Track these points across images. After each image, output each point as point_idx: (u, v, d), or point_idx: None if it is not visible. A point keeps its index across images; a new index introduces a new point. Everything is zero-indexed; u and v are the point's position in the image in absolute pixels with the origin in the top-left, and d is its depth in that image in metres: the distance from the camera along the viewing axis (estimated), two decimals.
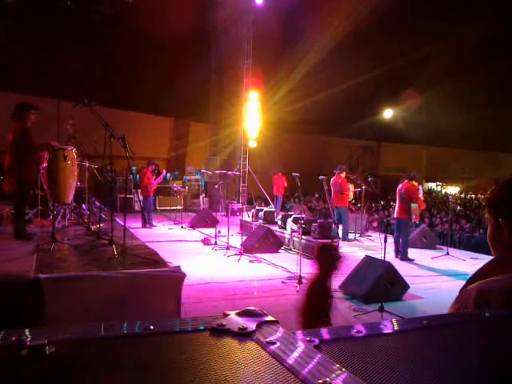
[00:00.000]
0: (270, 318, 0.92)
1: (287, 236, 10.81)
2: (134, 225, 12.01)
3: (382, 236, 6.70)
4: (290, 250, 10.55)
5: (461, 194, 32.90)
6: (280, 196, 16.44)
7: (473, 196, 30.71)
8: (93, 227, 7.58)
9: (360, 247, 11.53)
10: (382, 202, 13.23)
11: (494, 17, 20.66)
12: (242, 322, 0.89)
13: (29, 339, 0.77)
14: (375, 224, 14.78)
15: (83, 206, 9.22)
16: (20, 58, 17.02)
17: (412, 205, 9.97)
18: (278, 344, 0.81)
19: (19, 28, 16.86)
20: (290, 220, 10.87)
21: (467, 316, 1.21)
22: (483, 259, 10.54)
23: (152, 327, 0.86)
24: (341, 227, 12.08)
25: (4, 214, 8.05)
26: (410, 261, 9.94)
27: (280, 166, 17.34)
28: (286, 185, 16.45)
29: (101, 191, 12.93)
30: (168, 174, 17.10)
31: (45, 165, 6.28)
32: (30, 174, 6.32)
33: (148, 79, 20.06)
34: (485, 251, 11.42)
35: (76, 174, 6.60)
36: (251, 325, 0.88)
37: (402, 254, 10.04)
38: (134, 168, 16.57)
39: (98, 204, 9.58)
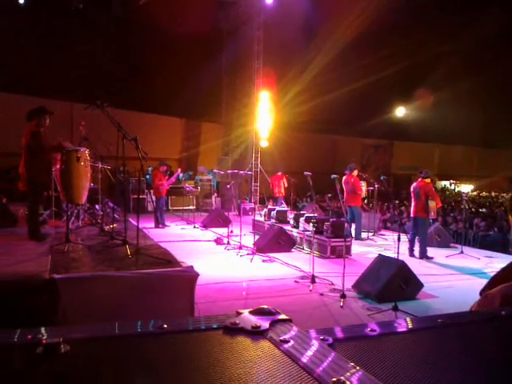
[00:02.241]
0: (283, 316, 0.92)
1: (307, 236, 10.77)
2: (147, 225, 12.05)
3: (396, 235, 6.65)
4: (303, 249, 10.53)
5: (474, 192, 32.61)
6: (281, 198, 16.23)
7: (486, 194, 30.41)
8: (106, 228, 7.62)
9: (373, 246, 11.47)
10: (396, 201, 13.10)
11: (506, 14, 20.44)
12: (255, 320, 0.89)
13: (44, 337, 0.77)
14: (389, 224, 14.68)
15: (96, 206, 9.28)
16: (32, 61, 17.18)
17: (429, 202, 9.92)
18: (292, 342, 0.81)
19: (32, 31, 17.03)
20: (302, 219, 10.85)
21: (483, 314, 1.20)
22: (498, 257, 10.42)
23: (166, 326, 0.86)
24: (354, 226, 12.03)
25: (19, 215, 8.14)
26: (430, 258, 9.91)
27: (281, 165, 17.20)
28: (286, 185, 16.17)
29: (114, 192, 13.01)
30: (181, 175, 17.13)
31: (58, 166, 6.33)
32: (42, 176, 6.38)
33: (160, 80, 20.14)
34: (500, 249, 11.32)
35: (89, 175, 6.65)
36: (264, 323, 0.87)
37: (421, 251, 10.02)
38: (150, 169, 16.65)
39: (111, 205, 9.63)
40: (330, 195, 21.45)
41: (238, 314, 0.92)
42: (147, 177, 16.12)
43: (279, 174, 16.25)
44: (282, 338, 0.82)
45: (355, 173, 12.04)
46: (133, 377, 0.71)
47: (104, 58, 18.15)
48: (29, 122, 6.30)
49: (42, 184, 6.54)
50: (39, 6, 16.95)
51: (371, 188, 13.46)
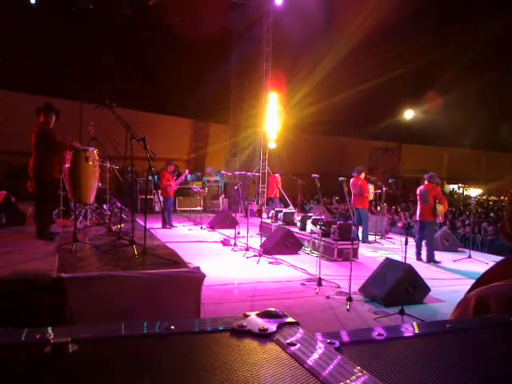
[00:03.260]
0: (290, 319, 0.91)
1: (314, 238, 10.75)
2: (155, 225, 12.09)
3: (403, 238, 6.62)
4: (310, 251, 10.51)
5: (483, 195, 32.41)
6: (275, 198, 16.22)
7: (495, 198, 30.21)
8: (114, 227, 7.64)
9: (380, 249, 11.43)
10: (402, 204, 13.09)
11: None
12: (262, 323, 0.89)
13: (52, 337, 0.78)
14: (400, 224, 14.60)
15: (104, 206, 9.32)
16: (43, 61, 17.30)
17: (437, 206, 9.88)
18: (299, 345, 0.81)
19: (43, 32, 17.14)
20: (309, 221, 10.83)
21: (491, 320, 1.19)
22: None
23: (172, 327, 0.87)
24: (361, 229, 12.00)
25: (27, 214, 8.19)
26: (437, 263, 9.88)
27: (276, 166, 17.24)
28: (279, 186, 16.11)
29: (122, 192, 13.06)
30: (189, 176, 17.16)
31: (67, 166, 6.37)
32: (52, 174, 6.42)
33: (169, 81, 20.21)
34: (508, 255, 11.23)
35: (97, 175, 6.68)
36: (271, 326, 0.87)
37: (428, 255, 9.99)
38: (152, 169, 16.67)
39: (118, 205, 9.66)
40: (337, 198, 21.42)
41: (245, 316, 0.92)
42: (153, 176, 16.16)
43: (276, 175, 16.25)
44: (288, 341, 0.82)
45: (363, 175, 12.02)
46: (140, 377, 0.71)
47: (113, 59, 18.22)
48: (37, 120, 6.37)
49: (51, 183, 6.58)
50: (49, 5, 17.05)
51: (379, 191, 13.42)
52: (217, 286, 7.11)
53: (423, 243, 10.29)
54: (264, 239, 10.63)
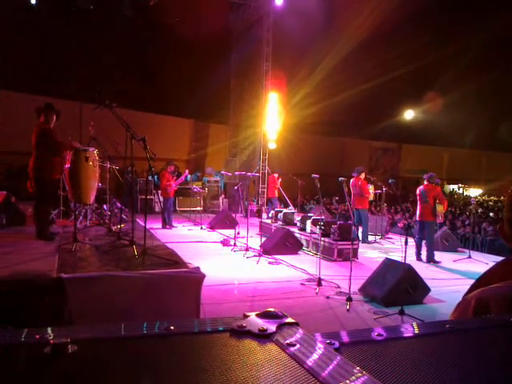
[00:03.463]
0: (289, 319, 0.91)
1: (314, 238, 10.75)
2: (155, 226, 12.09)
3: (403, 238, 6.61)
4: (310, 251, 10.51)
5: (483, 196, 32.41)
6: (274, 199, 16.20)
7: (495, 198, 30.22)
8: (114, 228, 7.64)
9: (380, 249, 11.43)
10: (403, 205, 13.11)
11: None
12: (262, 323, 0.89)
13: (52, 337, 0.78)
14: (400, 224, 14.59)
15: (104, 206, 9.32)
16: (43, 61, 17.31)
17: (437, 206, 9.89)
18: (298, 346, 0.81)
19: (43, 32, 17.15)
20: (309, 222, 10.83)
21: (491, 321, 1.19)
22: None
23: (172, 328, 0.86)
24: (361, 229, 11.99)
25: (27, 214, 8.19)
26: (437, 263, 9.88)
27: (277, 167, 17.29)
28: (277, 186, 16.08)
29: (122, 192, 13.05)
30: (188, 176, 17.15)
31: (67, 166, 6.37)
32: (52, 174, 6.42)
33: (169, 81, 20.22)
34: (508, 255, 11.23)
35: (97, 175, 6.67)
36: (271, 326, 0.87)
37: (428, 255, 10.00)
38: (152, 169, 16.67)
39: (118, 205, 9.66)
40: (337, 198, 21.41)
41: (245, 316, 0.92)
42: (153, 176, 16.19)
43: (275, 175, 16.25)
44: (288, 342, 0.82)
45: (363, 176, 12.02)
46: (139, 378, 0.71)
47: (113, 59, 18.22)
48: (38, 120, 6.38)
49: (51, 183, 6.58)
50: (49, 5, 17.05)
51: (379, 191, 13.42)
52: (217, 286, 7.11)
53: (423, 243, 10.29)
54: (264, 239, 10.63)
